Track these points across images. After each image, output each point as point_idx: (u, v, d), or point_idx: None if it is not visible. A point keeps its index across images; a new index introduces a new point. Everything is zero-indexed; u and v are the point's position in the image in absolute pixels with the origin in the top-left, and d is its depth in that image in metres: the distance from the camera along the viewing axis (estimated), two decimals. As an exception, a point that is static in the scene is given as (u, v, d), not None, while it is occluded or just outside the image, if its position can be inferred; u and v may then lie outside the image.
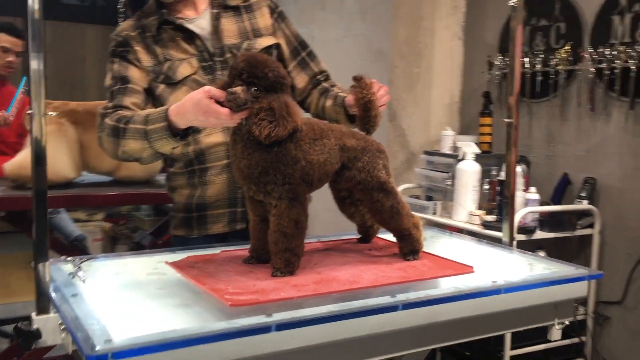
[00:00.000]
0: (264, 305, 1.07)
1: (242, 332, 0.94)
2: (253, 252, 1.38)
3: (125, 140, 1.44)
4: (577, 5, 2.60)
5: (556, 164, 2.73)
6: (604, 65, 2.39)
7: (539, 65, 2.72)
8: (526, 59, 2.77)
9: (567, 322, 1.44)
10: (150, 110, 1.45)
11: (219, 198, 1.61)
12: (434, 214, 2.70)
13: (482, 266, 1.40)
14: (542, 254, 2.47)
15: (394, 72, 3.55)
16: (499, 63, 2.95)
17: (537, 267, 1.46)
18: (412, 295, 1.17)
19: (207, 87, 1.27)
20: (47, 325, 1.03)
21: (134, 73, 1.57)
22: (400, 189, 3.06)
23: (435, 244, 1.66)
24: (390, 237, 1.61)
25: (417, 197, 2.95)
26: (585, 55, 2.47)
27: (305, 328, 1.01)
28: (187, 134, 1.41)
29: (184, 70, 1.58)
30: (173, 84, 1.57)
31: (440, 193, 2.71)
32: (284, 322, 0.99)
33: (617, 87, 2.37)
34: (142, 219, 5.35)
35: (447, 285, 1.26)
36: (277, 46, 1.68)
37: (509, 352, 2.29)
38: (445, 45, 3.32)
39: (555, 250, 2.57)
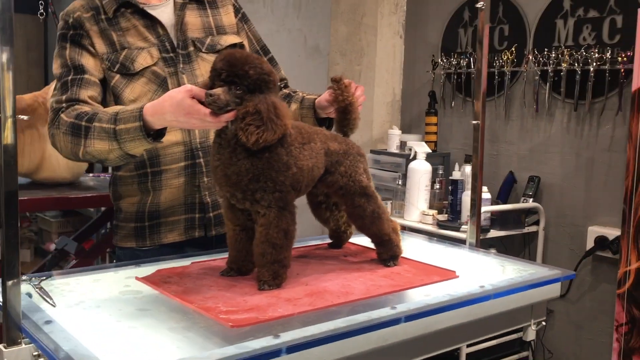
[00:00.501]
0: (264, 324, 1.02)
1: (254, 357, 0.88)
2: (232, 263, 1.31)
3: (90, 140, 1.32)
4: (520, 9, 2.70)
5: (500, 163, 2.83)
6: (548, 67, 2.51)
7: (484, 66, 2.81)
8: (470, 60, 2.86)
9: (543, 322, 1.50)
10: (118, 108, 1.34)
11: (174, 204, 1.52)
12: (385, 214, 2.72)
13: (460, 270, 1.41)
14: (493, 251, 2.57)
15: (334, 69, 3.54)
16: (442, 63, 3.02)
17: (509, 268, 1.50)
18: (412, 306, 1.15)
19: (188, 86, 1.19)
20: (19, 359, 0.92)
21: (88, 61, 1.45)
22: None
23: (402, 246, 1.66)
24: (360, 240, 1.60)
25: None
26: (530, 57, 2.58)
27: (316, 348, 0.96)
28: (161, 134, 1.31)
29: (142, 60, 1.47)
30: (130, 74, 1.46)
31: (390, 193, 2.73)
32: (294, 344, 0.94)
33: (562, 89, 2.49)
34: (49, 220, 5.00)
35: (439, 292, 1.25)
36: (241, 45, 1.62)
37: (465, 350, 2.34)
38: (387, 43, 3.35)
39: (501, 248, 2.67)
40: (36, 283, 1.17)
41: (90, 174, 2.97)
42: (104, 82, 1.47)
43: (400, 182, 2.69)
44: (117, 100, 1.47)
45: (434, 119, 3.00)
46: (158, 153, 1.49)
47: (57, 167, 2.39)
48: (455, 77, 2.95)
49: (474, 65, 2.83)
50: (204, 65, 1.53)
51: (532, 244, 2.67)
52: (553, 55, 2.47)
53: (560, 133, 2.57)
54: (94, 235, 3.18)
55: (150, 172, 1.50)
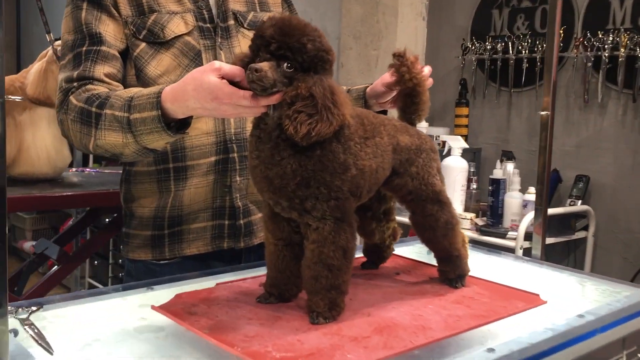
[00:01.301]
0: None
1: None
2: (272, 287, 1.07)
3: (101, 130, 1.10)
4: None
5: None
6: (602, 53, 2.28)
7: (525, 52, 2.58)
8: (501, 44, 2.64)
9: (638, 355, 1.28)
10: (135, 91, 1.11)
11: (200, 207, 1.30)
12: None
13: (540, 291, 1.21)
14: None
15: (346, 55, 3.30)
16: (474, 47, 2.79)
17: (591, 288, 1.31)
18: (513, 347, 0.93)
19: (216, 63, 0.95)
20: None
21: (107, 28, 1.22)
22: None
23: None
24: (401, 250, 1.38)
25: (387, 197, 2.73)
26: (581, 41, 2.35)
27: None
28: (185, 124, 1.08)
29: (175, 27, 1.26)
30: (158, 43, 1.25)
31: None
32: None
33: (620, 77, 2.27)
34: (22, 217, 4.70)
35: (534, 325, 1.04)
36: None
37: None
38: (408, 25, 3.12)
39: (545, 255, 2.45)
40: (24, 317, 0.92)
41: (73, 169, 2.70)
42: (125, 54, 1.25)
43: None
44: (140, 76, 1.25)
45: (465, 110, 2.77)
46: (184, 144, 1.27)
47: (36, 160, 2.13)
48: (489, 63, 2.73)
49: (512, 50, 2.61)
50: (244, 43, 1.33)
51: (579, 250, 2.46)
52: (609, 39, 2.25)
53: (614, 127, 2.35)
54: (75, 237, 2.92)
55: (172, 168, 1.27)
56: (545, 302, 1.17)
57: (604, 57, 2.29)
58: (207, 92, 0.95)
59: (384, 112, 1.34)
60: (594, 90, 2.38)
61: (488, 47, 2.70)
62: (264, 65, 0.91)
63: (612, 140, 2.37)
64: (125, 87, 1.23)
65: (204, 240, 1.31)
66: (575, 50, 2.38)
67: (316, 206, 0.96)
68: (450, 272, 1.23)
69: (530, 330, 1.02)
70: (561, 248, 2.51)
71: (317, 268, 0.97)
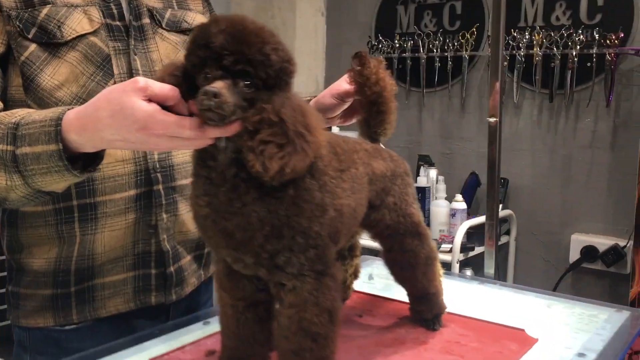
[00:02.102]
0: None
1: None
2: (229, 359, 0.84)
3: None
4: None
5: (455, 163, 2.57)
6: (518, 52, 2.27)
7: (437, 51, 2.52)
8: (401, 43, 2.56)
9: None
10: (19, 114, 0.87)
11: (117, 255, 1.05)
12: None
13: (517, 322, 1.12)
14: (468, 272, 2.29)
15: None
16: (382, 46, 2.68)
17: (567, 313, 1.22)
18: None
19: (141, 80, 0.73)
20: None
21: None
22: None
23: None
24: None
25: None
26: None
27: None
28: (95, 159, 0.82)
29: (76, 23, 1.00)
30: (55, 44, 0.98)
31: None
32: None
33: (537, 76, 2.26)
34: None
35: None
36: None
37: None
38: (307, 21, 2.96)
39: (463, 263, 2.40)
40: None
41: None
42: (5, 59, 0.98)
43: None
44: (29, 87, 0.98)
45: (375, 113, 2.66)
46: (92, 175, 1.01)
47: None
48: (397, 62, 2.63)
49: (423, 49, 2.53)
50: (163, 47, 1.09)
51: (500, 256, 2.44)
52: (525, 37, 2.23)
53: (530, 128, 2.35)
54: None
55: (77, 206, 1.00)
56: (536, 340, 1.06)
57: (518, 57, 2.27)
58: (130, 120, 0.72)
59: (328, 129, 1.16)
60: (509, 91, 2.36)
61: (396, 45, 2.61)
62: (221, 87, 0.68)
63: (529, 141, 2.36)
64: (5, 103, 0.95)
65: (124, 296, 1.06)
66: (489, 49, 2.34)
67: (291, 260, 0.75)
68: (427, 311, 1.08)
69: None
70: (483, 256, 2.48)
71: (298, 339, 0.76)
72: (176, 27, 1.13)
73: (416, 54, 2.56)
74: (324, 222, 0.77)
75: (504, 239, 2.37)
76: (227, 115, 0.70)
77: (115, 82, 1.00)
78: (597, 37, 2.08)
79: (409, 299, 1.11)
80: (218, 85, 0.68)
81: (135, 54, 1.04)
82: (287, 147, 0.70)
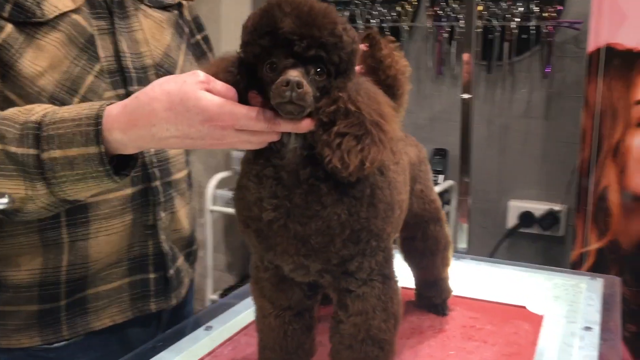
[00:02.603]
0: None
1: None
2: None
3: None
4: (411, -49, 2.44)
5: (393, 135, 2.59)
6: (457, 24, 2.31)
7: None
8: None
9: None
10: (38, 110, 0.77)
11: (112, 261, 0.97)
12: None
13: (512, 298, 1.19)
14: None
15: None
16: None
17: (542, 284, 1.30)
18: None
19: (201, 74, 0.68)
20: None
21: None
22: (212, 182, 2.54)
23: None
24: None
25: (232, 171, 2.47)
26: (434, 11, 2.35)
27: None
28: (132, 163, 0.74)
29: (57, 0, 0.87)
30: (35, 25, 0.86)
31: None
32: None
33: (478, 48, 2.31)
34: None
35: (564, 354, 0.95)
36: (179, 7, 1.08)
37: None
38: (233, 9, 2.83)
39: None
40: None
41: None
42: None
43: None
44: (7, 75, 0.85)
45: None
46: None
47: None
48: (332, 32, 2.59)
49: (361, 20, 2.51)
50: (147, 25, 0.99)
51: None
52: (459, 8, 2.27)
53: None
54: None
55: (65, 210, 0.88)
56: (542, 317, 1.11)
57: (457, 28, 2.31)
58: (194, 111, 0.66)
59: None
60: (448, 62, 2.40)
61: (331, 15, 2.56)
62: (297, 75, 0.63)
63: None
64: None
65: (121, 306, 0.98)
66: (429, 20, 2.37)
67: (363, 265, 0.72)
68: (436, 297, 1.10)
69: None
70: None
71: (365, 348, 0.74)
72: (158, 2, 1.03)
73: (353, 24, 2.53)
74: (393, 221, 0.75)
75: (445, 209, 2.45)
76: (307, 107, 0.64)
77: (102, 67, 0.89)
78: (535, 10, 2.16)
79: (417, 285, 1.12)
80: (297, 74, 0.63)
81: (121, 35, 0.94)
82: (365, 138, 0.66)
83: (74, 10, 0.88)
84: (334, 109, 0.66)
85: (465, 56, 1.50)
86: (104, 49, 0.91)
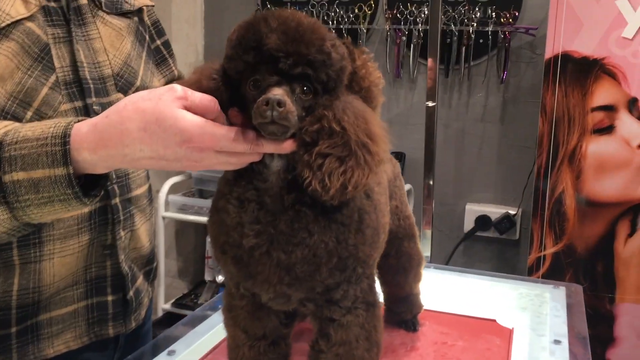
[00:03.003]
0: None
1: None
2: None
3: None
4: (369, -48, 2.42)
5: (350, 138, 2.58)
6: (415, 27, 2.31)
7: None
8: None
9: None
10: (2, 126, 0.73)
11: (67, 284, 0.91)
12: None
13: (480, 310, 1.19)
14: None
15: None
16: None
17: (507, 293, 1.31)
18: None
19: (178, 88, 0.64)
20: None
21: None
22: (165, 187, 2.46)
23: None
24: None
25: (192, 194, 2.40)
26: (391, 13, 2.34)
27: None
28: (102, 182, 0.69)
29: (8, 6, 0.82)
30: None
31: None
32: None
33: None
34: None
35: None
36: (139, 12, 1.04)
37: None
38: (184, -16, 2.75)
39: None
40: None
41: None
42: None
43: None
44: None
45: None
46: None
47: None
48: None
49: (318, 16, 2.48)
50: (105, 33, 0.94)
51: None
52: (423, 12, 2.27)
53: (425, 102, 2.42)
54: None
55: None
56: (511, 330, 1.11)
57: (415, 32, 2.31)
58: (171, 132, 0.62)
59: None
60: (406, 65, 2.40)
61: (287, 15, 2.52)
62: (281, 93, 0.59)
63: (423, 115, 2.44)
64: None
65: (76, 331, 0.93)
66: (388, 23, 2.36)
67: (348, 293, 0.70)
68: (407, 312, 1.09)
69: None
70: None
71: None
72: (116, 9, 0.98)
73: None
74: (378, 247, 0.72)
75: (402, 212, 2.45)
76: (291, 127, 0.61)
77: (57, 77, 0.83)
78: (492, 16, 2.18)
79: (387, 300, 1.10)
80: (279, 93, 0.59)
81: (78, 43, 0.88)
82: (349, 160, 0.63)
83: (28, 18, 0.82)
84: (317, 127, 0.63)
85: (430, 62, 1.50)
86: (59, 58, 0.85)
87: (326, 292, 0.69)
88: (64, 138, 0.66)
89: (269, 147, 0.63)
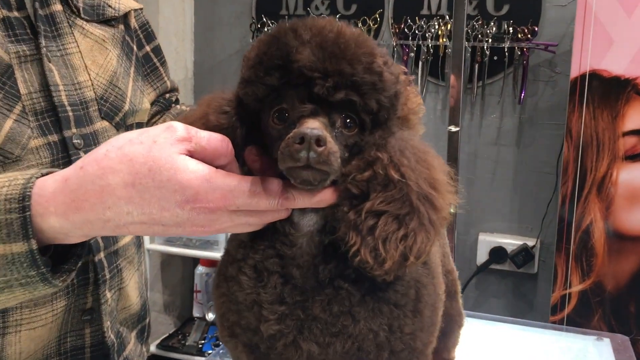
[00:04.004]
0: None
1: None
2: None
3: None
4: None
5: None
6: (423, 43, 2.17)
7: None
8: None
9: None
10: None
11: (37, 357, 0.75)
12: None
13: None
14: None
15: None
16: (268, 29, 2.44)
17: (551, 345, 1.18)
18: None
19: (179, 127, 0.50)
20: None
21: None
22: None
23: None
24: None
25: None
26: (396, 28, 2.21)
27: None
28: (79, 252, 0.54)
29: None
30: None
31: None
32: None
33: (446, 70, 2.18)
34: None
35: None
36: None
37: None
38: (173, -4, 2.61)
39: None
40: None
41: None
42: None
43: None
44: None
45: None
46: None
47: None
48: (285, 48, 2.42)
49: (316, 34, 2.34)
50: (86, 46, 0.79)
51: (403, 260, 2.37)
52: (433, 26, 2.14)
53: (433, 123, 2.28)
54: None
55: None
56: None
57: (423, 48, 2.18)
58: (170, 189, 0.48)
59: None
60: (415, 83, 2.26)
61: (285, 29, 2.38)
62: (322, 130, 0.44)
63: (433, 138, 2.30)
64: None
65: None
66: (395, 38, 2.22)
67: None
68: None
69: None
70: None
71: None
72: (98, 16, 0.82)
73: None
74: (437, 329, 0.57)
75: (409, 243, 2.30)
76: (332, 173, 0.47)
77: (24, 106, 0.68)
78: (509, 31, 2.06)
79: None
80: (317, 126, 0.44)
81: (50, 61, 0.72)
82: (410, 220, 0.49)
83: None
84: (369, 175, 0.49)
85: (452, 79, 1.36)
86: (26, 82, 0.70)
87: None
88: (23, 202, 0.50)
89: (302, 201, 0.48)
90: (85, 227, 0.51)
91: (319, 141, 0.45)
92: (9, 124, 0.67)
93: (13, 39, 0.70)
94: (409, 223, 0.48)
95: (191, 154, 0.48)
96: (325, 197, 0.48)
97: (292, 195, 0.48)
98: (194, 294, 2.54)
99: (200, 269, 2.48)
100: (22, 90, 0.69)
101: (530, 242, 2.17)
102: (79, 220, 0.50)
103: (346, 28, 0.51)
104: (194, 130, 0.48)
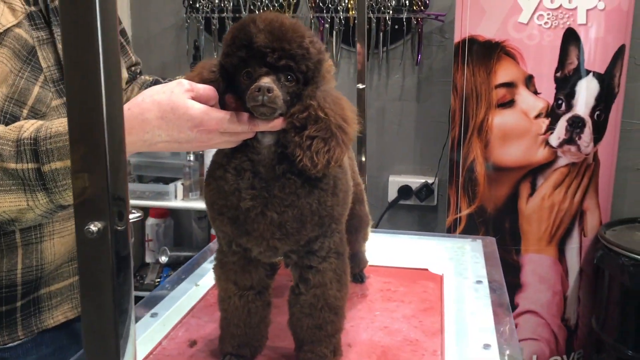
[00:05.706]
0: None
1: None
2: (242, 348, 0.90)
3: None
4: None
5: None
6: (336, 15, 2.44)
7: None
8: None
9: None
10: (28, 126, 0.80)
11: (64, 260, 1.00)
12: (176, 198, 2.32)
13: (412, 262, 1.36)
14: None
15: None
16: (200, 3, 2.63)
17: (434, 246, 1.48)
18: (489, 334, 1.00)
19: (185, 82, 0.76)
20: None
21: None
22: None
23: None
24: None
25: (132, 180, 2.44)
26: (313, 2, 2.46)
27: None
28: None
29: (0, 16, 0.89)
30: None
31: (175, 171, 2.32)
32: None
33: (356, 38, 2.46)
34: None
35: (473, 304, 1.13)
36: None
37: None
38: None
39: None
40: None
41: None
42: None
43: (191, 158, 2.31)
44: None
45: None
46: None
47: None
48: (218, 23, 2.62)
49: (245, 9, 2.56)
50: None
51: (327, 202, 2.67)
52: (344, 1, 2.41)
53: (347, 84, 2.57)
54: None
55: None
56: (442, 276, 1.28)
57: (336, 19, 2.45)
58: (184, 119, 0.74)
59: None
60: (329, 51, 2.54)
61: (216, 3, 2.58)
62: (270, 81, 0.72)
63: (347, 97, 2.59)
64: None
65: (72, 302, 1.03)
66: (312, 12, 2.48)
67: (324, 245, 0.84)
68: (355, 267, 1.22)
69: (471, 310, 1.10)
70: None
71: (322, 314, 0.85)
72: None
73: (237, 15, 2.58)
74: (347, 206, 0.86)
75: (332, 186, 2.60)
76: (278, 109, 0.73)
77: (45, 77, 0.91)
78: (406, 3, 2.36)
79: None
80: (268, 81, 0.71)
81: (59, 42, 0.95)
82: (331, 141, 0.76)
83: (17, 25, 0.89)
84: (306, 115, 0.76)
85: (359, 47, 1.63)
86: (45, 59, 0.92)
87: (307, 244, 0.82)
88: None
89: (262, 126, 0.75)
90: (130, 146, 0.75)
91: (269, 90, 0.71)
92: (36, 89, 0.90)
93: (34, 27, 0.92)
94: (331, 142, 0.76)
95: (194, 99, 0.74)
96: (276, 124, 0.76)
97: (256, 123, 0.75)
98: (146, 243, 2.75)
99: (151, 221, 2.69)
100: (43, 64, 0.92)
101: (430, 180, 2.53)
102: (127, 141, 0.75)
103: (287, 20, 0.77)
104: (195, 84, 0.74)
